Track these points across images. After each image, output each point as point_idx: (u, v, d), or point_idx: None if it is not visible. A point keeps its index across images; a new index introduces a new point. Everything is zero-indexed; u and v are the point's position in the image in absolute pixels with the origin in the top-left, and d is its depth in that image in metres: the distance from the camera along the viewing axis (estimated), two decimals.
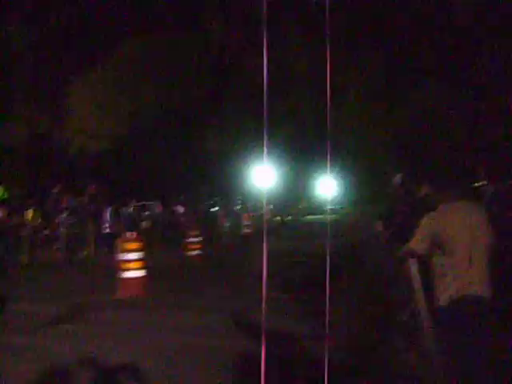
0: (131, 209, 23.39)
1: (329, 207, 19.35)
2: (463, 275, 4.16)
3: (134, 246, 10.69)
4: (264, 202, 15.02)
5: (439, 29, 11.10)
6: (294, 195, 33.02)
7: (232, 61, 18.97)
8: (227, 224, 22.76)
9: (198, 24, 19.12)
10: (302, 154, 22.64)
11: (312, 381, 4.96)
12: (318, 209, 41.84)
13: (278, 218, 30.85)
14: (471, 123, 11.59)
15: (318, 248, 13.01)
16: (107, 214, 20.16)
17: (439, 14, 10.94)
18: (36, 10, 21.30)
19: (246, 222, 24.22)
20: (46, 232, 18.36)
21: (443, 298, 4.23)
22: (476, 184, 8.59)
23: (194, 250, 15.94)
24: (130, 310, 9.17)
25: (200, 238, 16.27)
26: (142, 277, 10.58)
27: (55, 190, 18.24)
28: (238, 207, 29.10)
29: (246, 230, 23.69)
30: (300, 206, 40.08)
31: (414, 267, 5.32)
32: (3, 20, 21.47)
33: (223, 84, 21.79)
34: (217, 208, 27.16)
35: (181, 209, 23.63)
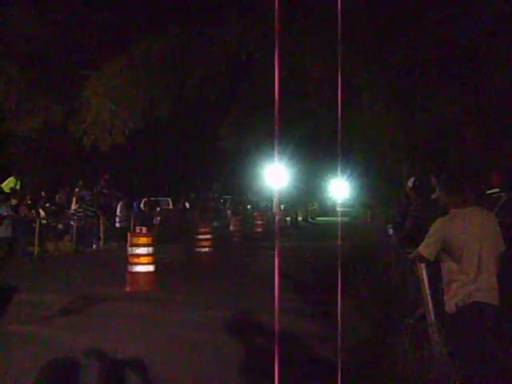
0: (142, 204, 23.51)
1: (340, 209, 19.32)
2: (471, 282, 4.15)
3: (144, 240, 10.75)
4: (275, 202, 15.00)
5: (461, 32, 11.03)
6: (306, 196, 32.97)
7: (248, 58, 18.92)
8: (237, 222, 22.79)
9: (215, 20, 19.13)
10: (315, 154, 22.61)
11: (323, 380, 4.98)
12: (328, 210, 41.90)
13: (289, 218, 30.85)
14: (489, 130, 11.53)
15: (328, 249, 13.06)
16: (118, 208, 20.28)
17: (461, 16, 10.87)
18: (51, 3, 21.40)
19: (256, 222, 24.27)
20: (58, 224, 18.44)
21: (451, 303, 4.23)
22: (489, 191, 8.53)
23: (204, 246, 15.95)
24: (139, 304, 9.22)
25: (210, 236, 16.30)
26: (152, 271, 10.64)
27: (77, 189, 18.33)
28: (249, 206, 29.16)
29: (257, 230, 23.74)
30: (311, 207, 40.10)
31: (423, 271, 5.33)
32: (20, 12, 21.60)
33: (238, 82, 21.78)
34: (228, 206, 27.24)
35: (191, 205, 23.71)
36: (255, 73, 19.86)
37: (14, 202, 15.77)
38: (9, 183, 17.32)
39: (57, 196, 19.72)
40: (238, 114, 23.02)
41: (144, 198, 24.00)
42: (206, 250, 15.82)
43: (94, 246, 17.78)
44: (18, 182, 17.44)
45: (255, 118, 22.37)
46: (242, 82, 21.07)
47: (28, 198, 17.15)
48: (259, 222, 24.25)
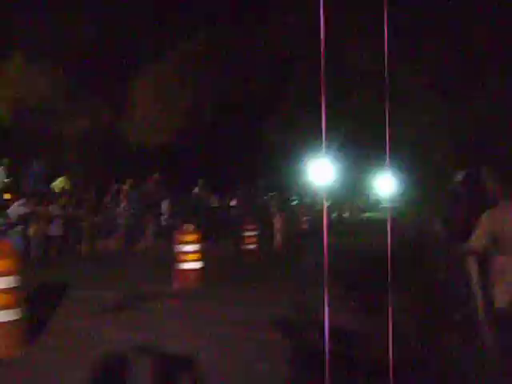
0: (189, 201, 23.68)
1: (387, 205, 19.06)
2: None
3: (191, 238, 10.85)
4: (322, 198, 14.93)
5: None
6: (352, 192, 32.69)
7: (293, 55, 18.86)
8: (282, 219, 22.74)
9: (259, 17, 19.15)
10: (361, 149, 22.40)
11: (374, 377, 4.93)
12: (375, 206, 41.47)
13: (335, 214, 30.67)
14: None
15: (375, 245, 12.90)
16: (165, 206, 20.50)
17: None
18: (100, 4, 21.75)
19: (302, 218, 24.21)
20: (106, 223, 18.75)
21: (503, 298, 4.14)
22: None
23: (250, 243, 16.02)
24: (187, 301, 9.32)
25: (256, 232, 16.34)
26: (199, 268, 10.74)
27: (126, 186, 18.60)
28: (295, 203, 29.08)
29: (303, 226, 23.67)
30: (357, 203, 39.79)
31: (472, 265, 5.22)
32: (69, 15, 22.00)
33: (284, 78, 21.75)
34: (273, 203, 27.21)
35: (237, 202, 23.77)
36: (301, 68, 19.78)
37: (64, 201, 16.13)
38: (59, 183, 17.70)
39: (106, 195, 20.05)
40: (284, 110, 23.01)
41: (190, 195, 24.17)
42: (253, 246, 15.89)
43: (142, 244, 18.02)
44: (68, 182, 17.80)
45: (301, 114, 22.31)
46: (288, 78, 21.02)
47: (77, 197, 17.49)
48: (305, 219, 24.19)
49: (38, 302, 7.78)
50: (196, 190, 21.61)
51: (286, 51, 17.30)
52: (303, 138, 21.05)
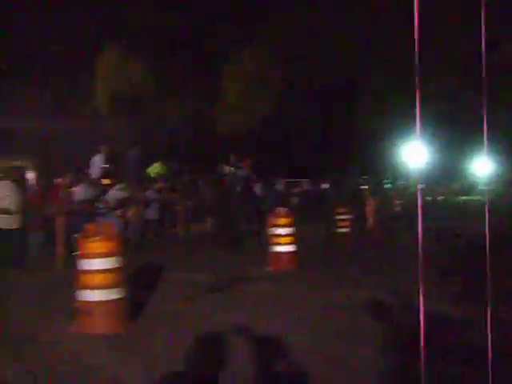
0: (281, 185, 23.85)
1: (482, 188, 18.45)
2: None
3: (284, 221, 10.95)
4: (416, 181, 14.65)
5: None
6: (447, 174, 31.84)
7: (384, 37, 18.54)
8: (375, 203, 22.49)
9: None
10: (456, 131, 21.76)
11: (470, 365, 4.85)
12: (471, 189, 40.16)
13: (430, 197, 29.97)
14: None
15: (472, 229, 12.56)
16: (258, 191, 20.71)
17: None
18: None
19: (395, 201, 23.82)
20: (200, 206, 19.14)
21: None
22: None
23: (343, 227, 15.97)
24: (278, 283, 9.41)
25: (349, 216, 16.27)
26: (292, 251, 10.83)
27: (241, 165, 18.78)
28: (388, 186, 28.66)
29: (396, 209, 23.30)
30: (453, 186, 38.70)
31: None
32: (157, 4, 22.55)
33: (375, 60, 21.40)
34: (365, 187, 26.93)
35: (329, 186, 23.71)
36: (392, 48, 19.42)
37: (159, 186, 16.63)
38: (155, 168, 18.22)
39: (199, 180, 20.46)
40: (376, 92, 22.65)
41: (283, 179, 24.33)
42: (345, 230, 15.84)
43: (236, 227, 18.28)
44: (164, 167, 18.28)
45: (393, 96, 21.89)
46: (379, 59, 20.68)
47: (172, 182, 17.95)
48: (398, 202, 23.81)
49: (136, 283, 8.10)
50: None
51: (377, 34, 17.03)
52: (397, 120, 20.66)
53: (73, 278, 6.59)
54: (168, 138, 23.75)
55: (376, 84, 21.58)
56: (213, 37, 22.89)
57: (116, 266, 6.45)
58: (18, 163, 16.50)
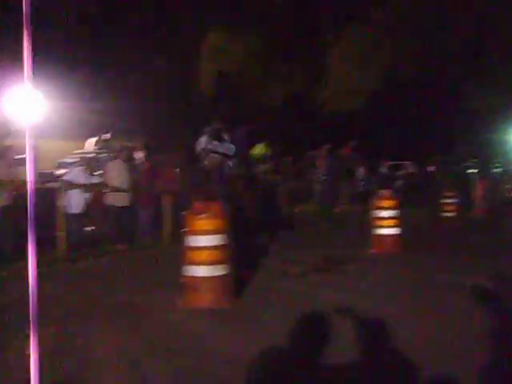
0: (386, 167, 23.51)
1: None
2: None
3: (388, 203, 10.79)
4: None
5: None
6: None
7: (492, 16, 17.79)
8: (484, 186, 21.67)
9: None
10: None
11: None
12: None
13: None
14: None
15: None
16: (362, 172, 20.53)
17: None
18: None
19: (506, 186, 22.82)
20: (303, 188, 19.22)
21: None
22: None
23: (449, 211, 15.56)
24: (384, 265, 9.35)
25: (455, 200, 15.82)
26: (396, 234, 10.67)
27: (323, 153, 18.78)
28: (498, 170, 27.51)
29: (506, 194, 22.32)
30: None
31: None
32: None
33: (484, 40, 20.54)
34: (475, 170, 26.01)
35: (435, 169, 23.09)
36: (502, 26, 18.59)
37: (263, 166, 16.81)
38: (259, 149, 18.41)
39: (303, 161, 20.49)
40: (484, 71, 21.77)
41: (387, 161, 23.97)
42: (451, 214, 15.43)
43: (337, 209, 18.25)
44: (268, 148, 18.44)
45: (502, 74, 20.97)
46: (487, 37, 19.85)
47: (275, 162, 18.11)
48: (508, 187, 22.79)
49: (242, 261, 8.27)
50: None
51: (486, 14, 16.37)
52: (506, 99, 19.77)
53: (180, 254, 6.81)
54: (271, 118, 23.91)
55: (484, 61, 20.71)
56: (317, 17, 22.76)
57: (222, 243, 6.61)
58: (128, 143, 17.11)
